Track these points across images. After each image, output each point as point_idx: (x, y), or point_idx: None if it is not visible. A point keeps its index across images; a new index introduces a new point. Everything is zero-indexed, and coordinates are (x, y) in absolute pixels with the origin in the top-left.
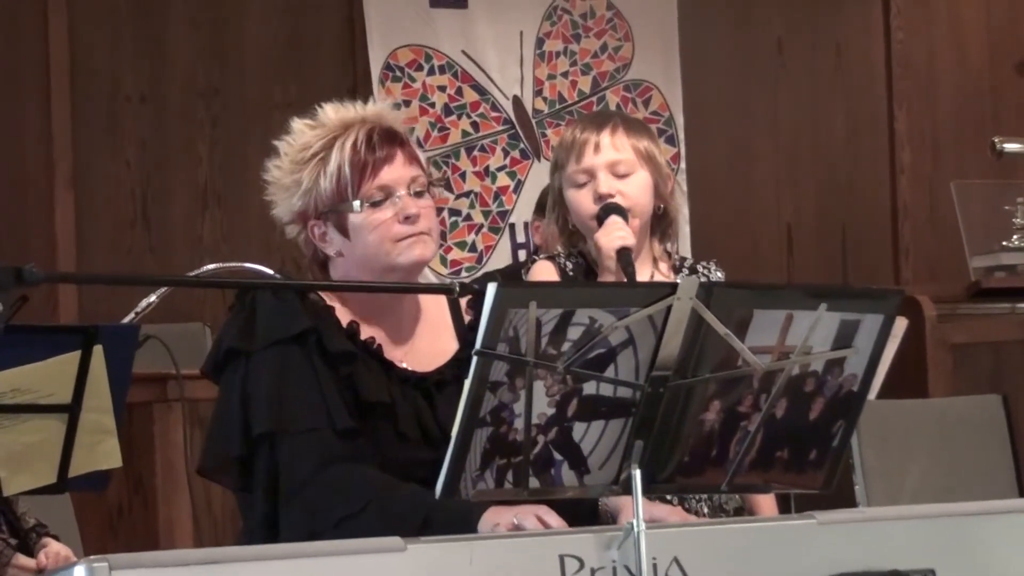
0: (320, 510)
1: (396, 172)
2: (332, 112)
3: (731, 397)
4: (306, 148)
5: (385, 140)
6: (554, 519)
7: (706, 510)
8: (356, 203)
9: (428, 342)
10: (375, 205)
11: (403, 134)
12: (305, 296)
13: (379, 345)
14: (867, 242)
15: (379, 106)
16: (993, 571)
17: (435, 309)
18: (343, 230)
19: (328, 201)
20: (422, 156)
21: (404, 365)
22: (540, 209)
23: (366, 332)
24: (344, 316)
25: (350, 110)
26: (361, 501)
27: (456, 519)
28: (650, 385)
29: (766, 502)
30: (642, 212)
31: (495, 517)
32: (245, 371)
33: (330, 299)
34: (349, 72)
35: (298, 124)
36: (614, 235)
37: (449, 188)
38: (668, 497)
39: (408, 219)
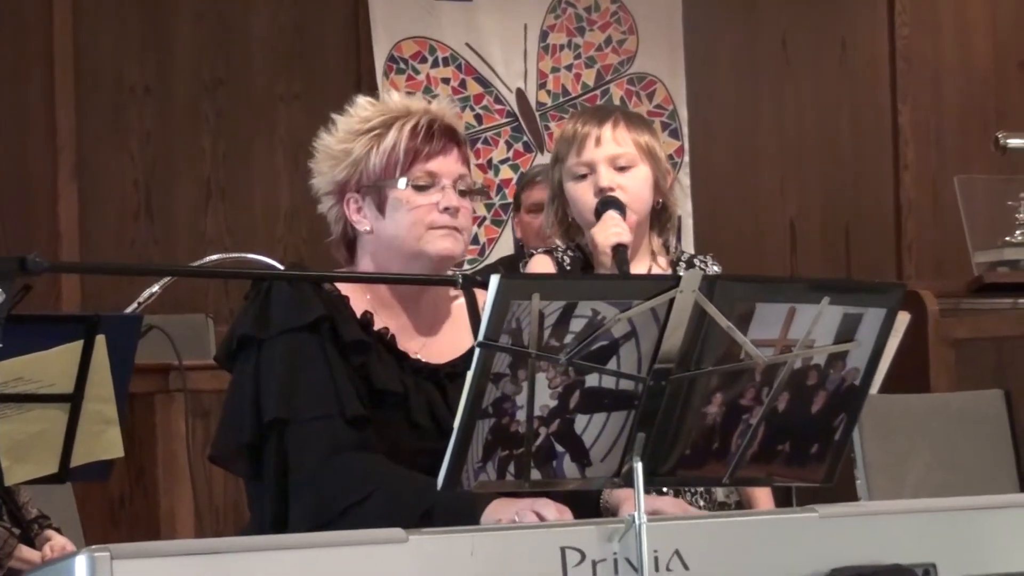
0: (326, 499)
1: (448, 165)
2: (397, 97)
3: (733, 390)
4: (364, 121)
5: (444, 133)
6: (551, 511)
7: (702, 503)
8: (402, 180)
9: (446, 336)
10: (419, 189)
11: (462, 135)
12: (320, 286)
13: (392, 336)
14: (870, 237)
15: (445, 104)
16: (994, 566)
17: (455, 305)
18: (380, 207)
19: (374, 176)
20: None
21: (418, 356)
22: (517, 205)
23: (380, 322)
24: (359, 306)
25: (416, 100)
26: (366, 490)
27: (459, 511)
28: (652, 378)
29: (763, 497)
30: (642, 207)
31: (497, 512)
32: (257, 358)
33: (344, 289)
34: (353, 64)
35: (360, 99)
36: (610, 231)
37: None
38: (664, 489)
39: (448, 210)
